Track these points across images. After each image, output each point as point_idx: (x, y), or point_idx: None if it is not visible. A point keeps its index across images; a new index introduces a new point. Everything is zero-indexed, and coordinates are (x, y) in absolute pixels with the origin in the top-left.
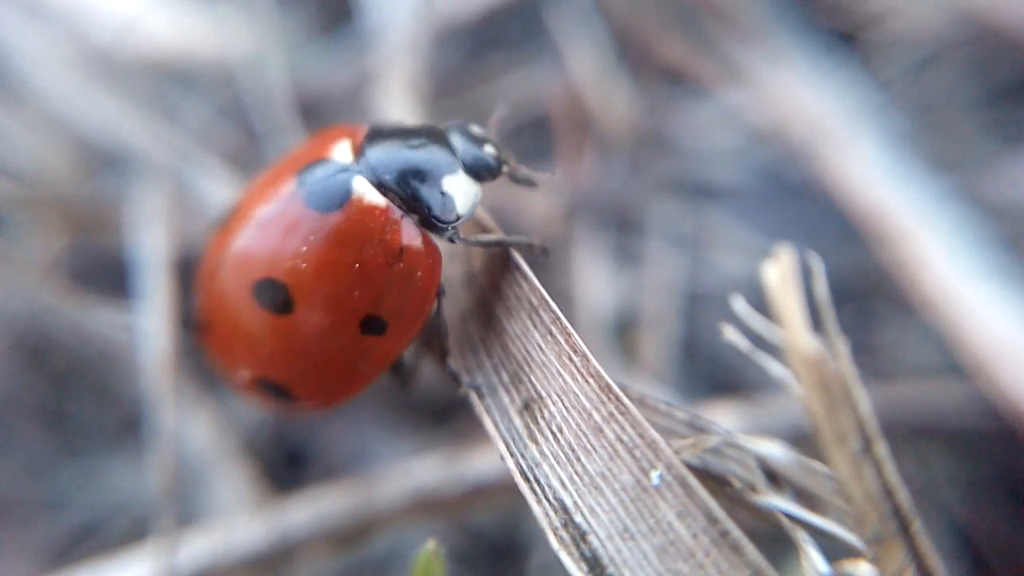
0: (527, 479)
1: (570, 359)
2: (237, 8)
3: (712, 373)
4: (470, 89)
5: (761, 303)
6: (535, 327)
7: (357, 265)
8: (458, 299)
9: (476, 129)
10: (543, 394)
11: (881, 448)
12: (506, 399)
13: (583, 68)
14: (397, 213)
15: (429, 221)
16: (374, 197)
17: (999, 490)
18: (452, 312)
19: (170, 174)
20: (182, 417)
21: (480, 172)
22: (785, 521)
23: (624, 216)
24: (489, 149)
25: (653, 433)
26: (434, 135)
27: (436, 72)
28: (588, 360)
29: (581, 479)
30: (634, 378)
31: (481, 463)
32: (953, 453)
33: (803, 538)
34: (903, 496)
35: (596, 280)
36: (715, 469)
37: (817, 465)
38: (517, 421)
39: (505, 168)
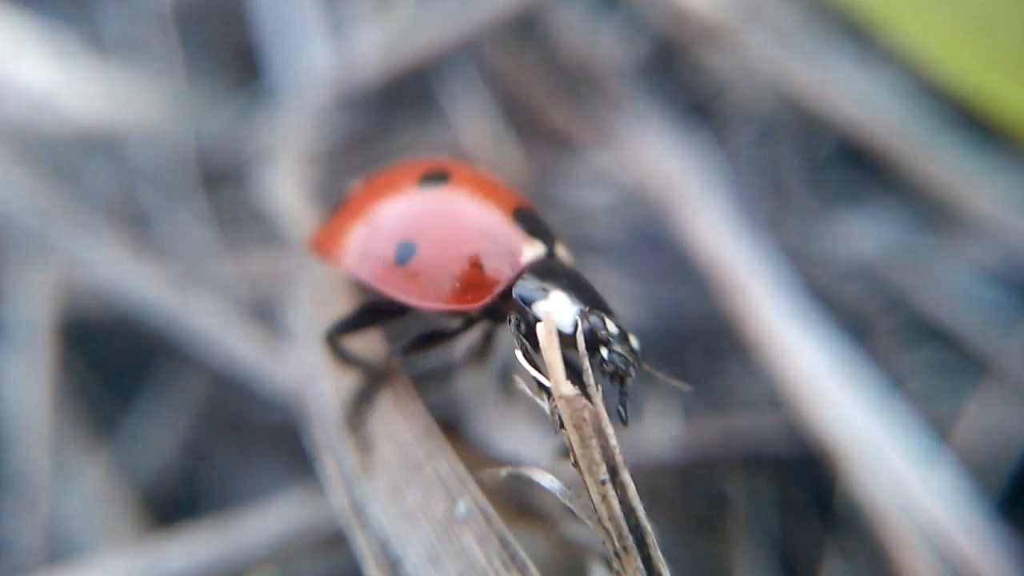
0: (354, 513)
1: (400, 400)
2: (145, 77)
3: None
4: (369, 149)
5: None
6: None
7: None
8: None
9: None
10: (377, 434)
11: (626, 476)
12: (348, 439)
13: (474, 132)
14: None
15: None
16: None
17: (810, 510)
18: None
19: (62, 244)
20: (69, 469)
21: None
22: (571, 539)
23: None
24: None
25: (463, 468)
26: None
27: (336, 134)
28: (416, 401)
29: (400, 511)
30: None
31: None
32: (774, 478)
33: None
34: (641, 514)
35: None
36: (515, 497)
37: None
38: (354, 459)
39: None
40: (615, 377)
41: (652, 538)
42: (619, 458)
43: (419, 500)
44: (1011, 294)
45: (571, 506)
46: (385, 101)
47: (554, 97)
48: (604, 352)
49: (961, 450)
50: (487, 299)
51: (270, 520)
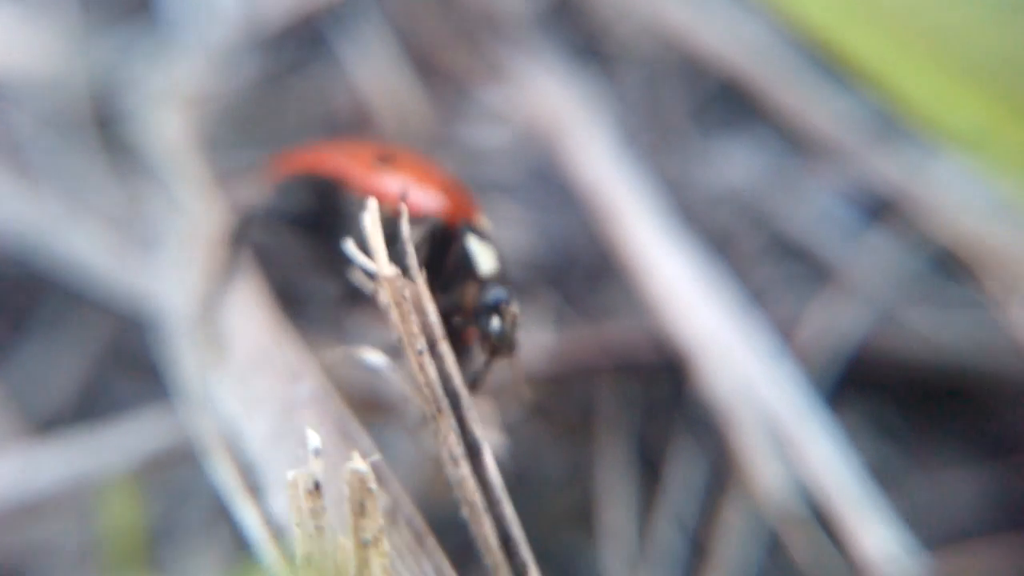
0: (203, 404)
1: (251, 295)
2: (36, 15)
3: None
4: (267, 91)
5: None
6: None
7: None
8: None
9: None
10: (229, 329)
11: (443, 347)
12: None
13: (375, 74)
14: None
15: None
16: None
17: (670, 409)
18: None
19: None
20: None
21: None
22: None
23: None
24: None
25: (308, 355)
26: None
27: (236, 75)
28: (267, 295)
29: (246, 397)
30: None
31: None
32: (640, 383)
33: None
34: (456, 379)
35: None
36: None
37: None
38: (204, 354)
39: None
40: (488, 347)
41: (467, 401)
42: (438, 332)
43: (265, 386)
44: (858, 212)
45: (393, 377)
46: (285, 43)
47: (453, 39)
48: (496, 322)
49: (800, 348)
50: (436, 206)
51: (132, 432)
